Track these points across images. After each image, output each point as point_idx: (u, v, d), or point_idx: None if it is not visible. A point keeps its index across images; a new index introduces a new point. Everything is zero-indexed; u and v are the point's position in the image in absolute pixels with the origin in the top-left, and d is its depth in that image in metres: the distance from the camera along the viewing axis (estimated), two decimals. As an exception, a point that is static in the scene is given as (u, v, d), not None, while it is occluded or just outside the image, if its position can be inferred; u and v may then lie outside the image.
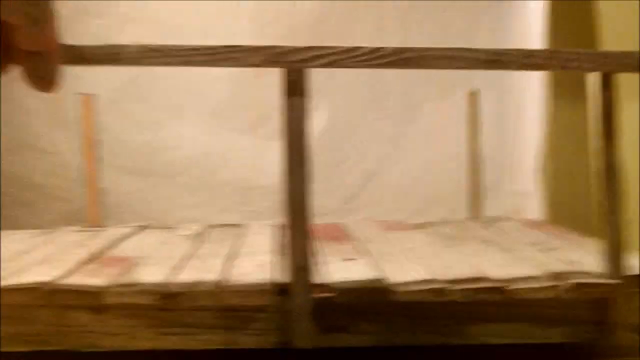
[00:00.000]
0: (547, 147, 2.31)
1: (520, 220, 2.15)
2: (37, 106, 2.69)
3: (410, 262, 1.40)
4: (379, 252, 1.55)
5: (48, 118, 2.71)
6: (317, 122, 2.74)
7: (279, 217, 1.41)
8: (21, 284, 1.22)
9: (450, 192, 2.70)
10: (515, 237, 1.76)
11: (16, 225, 2.27)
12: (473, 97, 2.25)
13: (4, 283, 1.23)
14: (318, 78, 2.61)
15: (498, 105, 2.71)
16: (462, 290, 1.17)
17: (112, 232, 1.94)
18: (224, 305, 1.21)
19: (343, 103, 2.79)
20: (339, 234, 1.85)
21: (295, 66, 1.20)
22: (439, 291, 1.17)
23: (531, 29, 2.47)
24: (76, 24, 2.67)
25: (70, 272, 1.35)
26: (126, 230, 1.98)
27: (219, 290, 1.21)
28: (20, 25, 0.40)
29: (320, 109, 2.76)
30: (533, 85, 2.42)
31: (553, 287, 1.23)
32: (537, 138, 2.37)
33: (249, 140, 2.76)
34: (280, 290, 1.24)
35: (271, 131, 2.68)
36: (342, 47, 1.22)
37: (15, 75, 0.51)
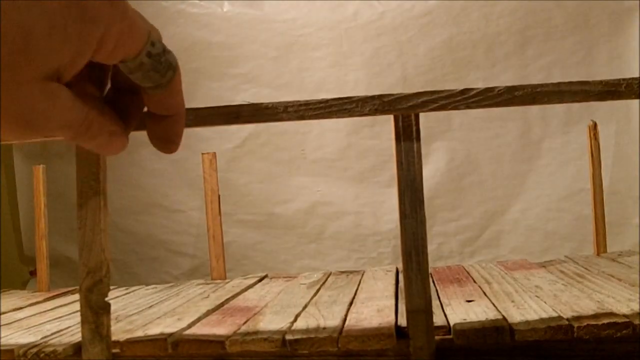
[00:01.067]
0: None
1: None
2: (163, 167, 2.81)
3: (534, 301, 1.36)
4: (502, 292, 1.51)
5: (173, 178, 2.83)
6: (434, 165, 2.73)
7: (398, 263, 1.41)
8: (146, 336, 1.27)
9: (573, 228, 2.61)
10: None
11: (143, 281, 2.36)
12: (593, 130, 2.18)
13: (130, 336, 1.28)
14: (434, 122, 2.64)
15: (619, 136, 2.61)
16: (588, 327, 1.12)
17: (235, 283, 1.99)
18: (343, 350, 1.21)
19: (460, 145, 2.77)
20: (460, 276, 1.82)
21: (406, 112, 1.21)
22: (564, 329, 1.13)
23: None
24: (196, 88, 2.80)
25: (194, 323, 1.39)
26: (248, 281, 2.02)
27: (339, 335, 1.21)
28: (147, 89, 0.42)
29: (437, 152, 2.75)
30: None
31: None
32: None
33: (365, 189, 2.78)
34: (400, 333, 1.23)
35: (387, 179, 2.70)
36: (452, 90, 1.21)
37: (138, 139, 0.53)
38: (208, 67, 2.85)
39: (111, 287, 1.28)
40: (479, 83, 2.71)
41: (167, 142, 0.46)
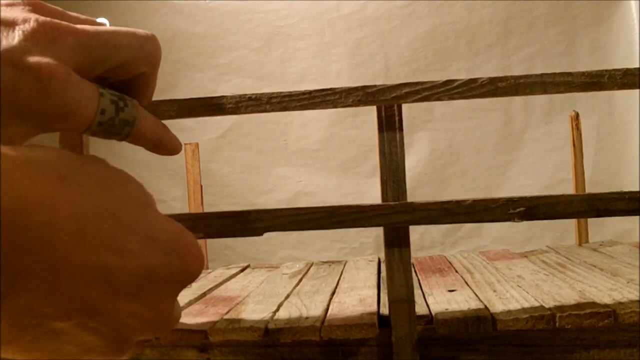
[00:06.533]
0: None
1: (629, 244, 2.05)
2: (145, 158, 2.79)
3: (516, 291, 1.37)
4: (484, 282, 1.52)
5: (155, 169, 2.81)
6: (417, 155, 2.73)
7: (380, 253, 1.40)
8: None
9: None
10: (623, 262, 1.68)
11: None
12: (576, 120, 2.18)
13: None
14: (417, 112, 2.64)
15: (601, 126, 2.63)
16: (570, 316, 1.13)
17: (217, 273, 1.98)
18: (326, 339, 1.21)
19: (442, 135, 2.77)
20: (442, 266, 1.82)
21: (389, 103, 1.20)
22: (546, 318, 1.13)
23: (633, 46, 2.41)
24: (179, 78, 2.78)
25: (176, 313, 1.38)
26: (230, 271, 2.02)
27: (321, 325, 1.21)
28: None
29: (419, 142, 2.75)
30: (635, 104, 2.34)
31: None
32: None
33: (347, 179, 2.78)
34: (383, 323, 1.23)
35: (369, 169, 2.70)
36: (435, 81, 1.21)
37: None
38: (190, 57, 2.84)
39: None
40: (461, 73, 2.72)
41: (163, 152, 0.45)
